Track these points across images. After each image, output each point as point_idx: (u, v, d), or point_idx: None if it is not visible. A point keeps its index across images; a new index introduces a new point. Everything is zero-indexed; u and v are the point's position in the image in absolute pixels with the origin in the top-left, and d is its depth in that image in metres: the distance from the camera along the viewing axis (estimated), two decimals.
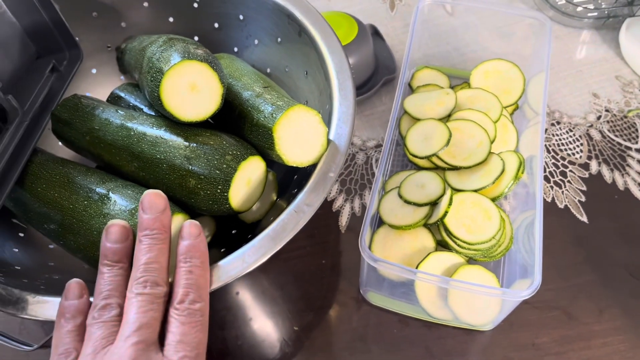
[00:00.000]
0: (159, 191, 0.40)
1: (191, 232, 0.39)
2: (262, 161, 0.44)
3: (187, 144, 0.43)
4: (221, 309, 0.53)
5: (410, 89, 0.66)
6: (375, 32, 0.72)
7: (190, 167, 0.42)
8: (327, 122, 0.47)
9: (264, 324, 0.53)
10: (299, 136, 0.44)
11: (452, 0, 0.68)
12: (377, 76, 0.68)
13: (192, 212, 0.45)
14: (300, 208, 0.41)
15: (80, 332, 0.37)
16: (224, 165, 0.42)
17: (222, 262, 0.39)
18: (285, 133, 0.43)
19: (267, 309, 0.54)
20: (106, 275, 0.38)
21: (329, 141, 0.45)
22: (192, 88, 0.42)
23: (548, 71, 0.58)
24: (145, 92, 0.45)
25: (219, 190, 0.42)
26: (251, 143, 0.46)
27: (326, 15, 0.66)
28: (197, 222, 0.40)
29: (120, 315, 0.36)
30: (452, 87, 0.66)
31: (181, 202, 0.44)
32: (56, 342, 0.37)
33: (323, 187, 0.43)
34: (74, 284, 0.39)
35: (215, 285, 0.39)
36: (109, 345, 0.35)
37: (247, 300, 0.55)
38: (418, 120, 0.60)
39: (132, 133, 0.46)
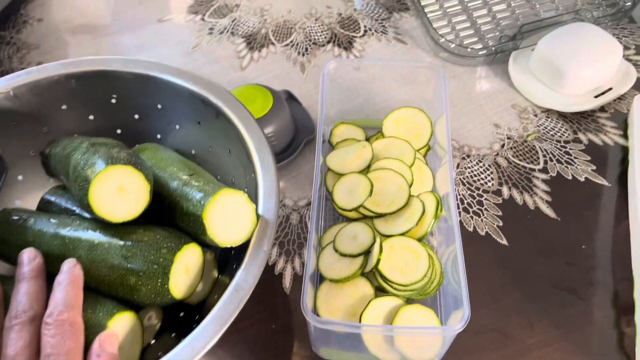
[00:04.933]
0: (31, 248, 0.46)
1: (68, 266, 0.44)
2: (197, 247, 0.47)
3: (122, 243, 0.45)
4: None
5: (331, 146, 0.71)
6: (290, 97, 0.76)
7: (128, 266, 0.44)
8: (255, 196, 0.51)
9: None
10: (228, 217, 0.46)
11: (357, 61, 0.73)
12: (298, 138, 0.72)
13: (137, 306, 0.47)
14: (240, 286, 0.44)
15: None
16: (161, 259, 0.44)
17: (171, 354, 0.41)
18: (214, 218, 0.46)
19: None
20: None
21: (258, 216, 0.48)
22: (119, 190, 0.44)
23: (448, 113, 0.64)
24: (75, 198, 0.47)
25: (159, 284, 0.44)
26: (184, 230, 0.48)
27: (241, 90, 0.70)
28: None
29: None
30: (368, 139, 0.71)
31: (125, 300, 0.46)
32: None
33: (258, 261, 0.45)
34: None
35: None
36: None
37: None
38: (342, 175, 0.64)
39: (67, 241, 0.47)
